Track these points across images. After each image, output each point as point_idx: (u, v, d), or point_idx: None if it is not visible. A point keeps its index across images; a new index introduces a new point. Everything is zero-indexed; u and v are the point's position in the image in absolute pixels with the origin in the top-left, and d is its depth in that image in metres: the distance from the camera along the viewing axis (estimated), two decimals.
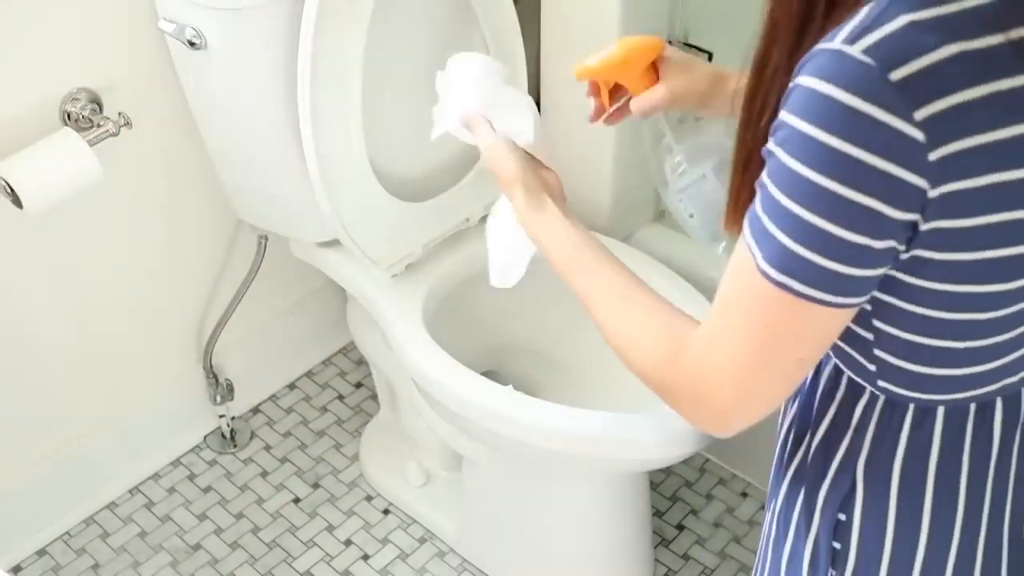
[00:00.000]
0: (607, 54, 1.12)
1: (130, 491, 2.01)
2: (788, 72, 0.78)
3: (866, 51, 0.72)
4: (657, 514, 1.96)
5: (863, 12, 0.74)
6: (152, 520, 1.97)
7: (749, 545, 1.91)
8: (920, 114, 0.71)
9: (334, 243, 1.72)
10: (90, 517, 1.97)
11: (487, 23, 1.67)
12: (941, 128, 0.72)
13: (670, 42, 1.80)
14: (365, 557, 1.92)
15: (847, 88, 0.72)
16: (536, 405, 1.48)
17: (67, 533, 1.95)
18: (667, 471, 2.02)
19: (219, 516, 1.98)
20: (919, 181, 0.73)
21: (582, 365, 1.77)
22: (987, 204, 0.76)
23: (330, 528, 1.96)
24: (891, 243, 0.77)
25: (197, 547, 1.93)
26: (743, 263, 0.81)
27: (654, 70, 1.13)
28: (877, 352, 0.89)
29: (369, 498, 2.01)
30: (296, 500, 2.01)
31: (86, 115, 1.62)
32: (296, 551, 1.93)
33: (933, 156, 0.72)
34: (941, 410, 0.90)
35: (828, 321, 0.81)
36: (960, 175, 0.74)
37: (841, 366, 0.94)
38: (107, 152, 1.61)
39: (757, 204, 0.79)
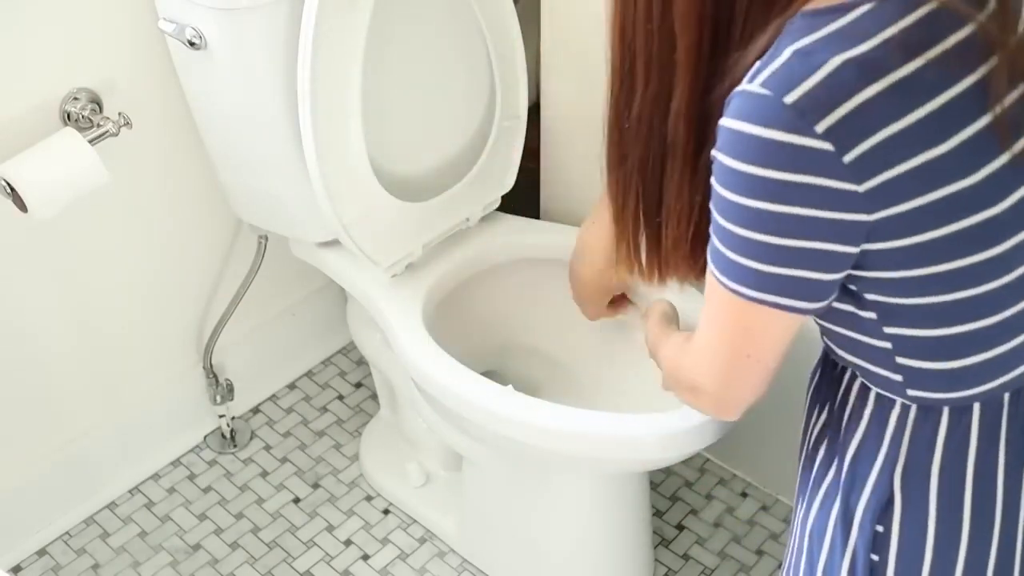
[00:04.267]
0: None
1: (130, 491, 2.01)
2: (693, 110, 0.89)
3: (763, 84, 0.79)
4: (657, 514, 1.96)
5: (764, 55, 0.82)
6: (152, 520, 1.97)
7: (749, 545, 1.91)
8: (821, 127, 0.78)
9: (334, 243, 1.72)
10: (90, 517, 1.97)
11: (487, 23, 1.67)
12: (845, 134, 0.79)
13: None
14: (365, 557, 1.92)
15: (753, 120, 0.79)
16: (536, 405, 1.48)
17: (67, 533, 1.95)
18: (667, 471, 2.02)
19: (219, 516, 1.98)
20: (844, 185, 0.80)
21: (582, 365, 1.77)
22: (912, 189, 0.81)
23: (330, 528, 1.96)
24: (834, 245, 0.83)
25: (197, 547, 1.93)
26: (710, 280, 0.92)
27: None
28: (900, 360, 0.90)
29: (369, 498, 2.01)
30: (296, 500, 2.01)
31: (86, 115, 1.62)
32: (296, 551, 1.93)
33: (847, 159, 0.79)
34: (976, 407, 0.90)
35: (782, 326, 0.91)
36: (879, 168, 0.79)
37: (868, 384, 0.94)
38: (107, 152, 1.61)
39: (712, 230, 0.88)
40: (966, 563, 0.94)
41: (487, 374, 1.67)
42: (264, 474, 2.05)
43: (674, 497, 1.99)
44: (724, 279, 0.88)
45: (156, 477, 2.04)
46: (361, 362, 2.24)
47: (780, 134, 0.78)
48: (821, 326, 0.97)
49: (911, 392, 0.91)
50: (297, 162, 1.56)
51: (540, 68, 1.81)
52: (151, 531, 1.95)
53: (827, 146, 0.78)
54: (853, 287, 0.88)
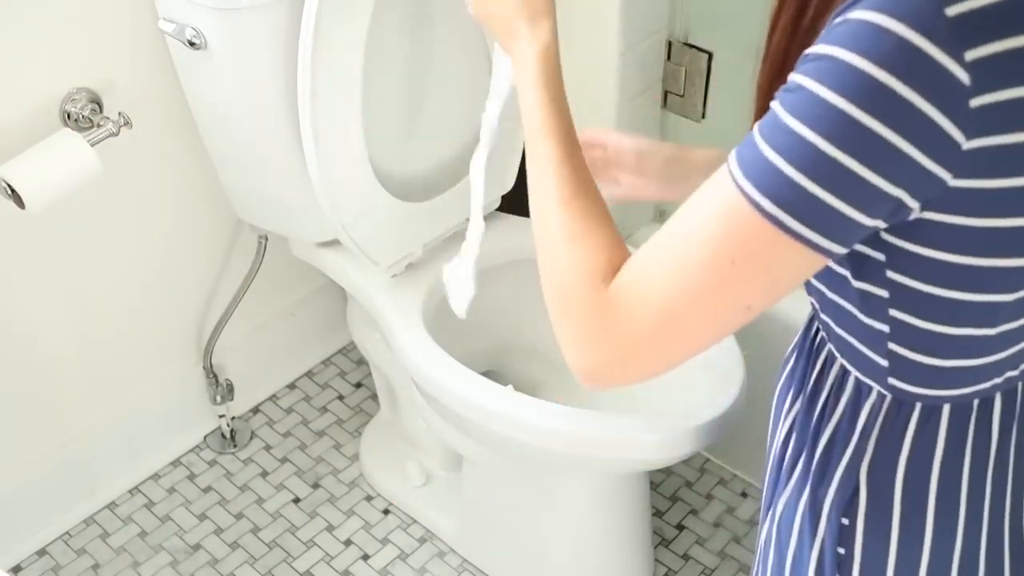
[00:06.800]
0: None
1: (130, 491, 2.01)
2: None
3: None
4: (657, 514, 1.96)
5: None
6: (152, 520, 1.97)
7: (749, 545, 1.91)
8: (970, 55, 0.69)
9: (334, 243, 1.72)
10: (90, 517, 1.97)
11: None
12: (988, 73, 0.70)
13: (669, 44, 1.80)
14: (365, 557, 1.92)
15: (901, 19, 0.69)
16: (536, 405, 1.48)
17: (67, 533, 1.95)
18: (667, 471, 2.02)
19: (219, 516, 1.98)
20: (955, 131, 0.71)
21: None
22: (1019, 164, 0.73)
23: (330, 528, 1.96)
24: (902, 193, 0.73)
25: (197, 547, 1.93)
26: (721, 193, 0.75)
27: None
28: (892, 346, 0.87)
29: (369, 498, 2.01)
30: (296, 500, 2.01)
31: (86, 115, 1.62)
32: (296, 551, 1.93)
33: (974, 103, 0.70)
34: (947, 408, 0.90)
35: (803, 267, 0.76)
36: (997, 128, 0.71)
37: (848, 366, 0.93)
38: (107, 152, 1.61)
39: (757, 134, 0.74)
40: (930, 561, 0.93)
41: (487, 374, 1.67)
42: (264, 474, 2.05)
43: (674, 497, 1.99)
44: (762, 198, 0.73)
45: (156, 477, 2.04)
46: (361, 362, 2.24)
47: (927, 44, 0.69)
48: (821, 297, 0.91)
49: (891, 381, 0.89)
50: (297, 162, 1.56)
51: None
52: (151, 531, 1.96)
53: (965, 79, 0.69)
54: (881, 257, 0.80)
